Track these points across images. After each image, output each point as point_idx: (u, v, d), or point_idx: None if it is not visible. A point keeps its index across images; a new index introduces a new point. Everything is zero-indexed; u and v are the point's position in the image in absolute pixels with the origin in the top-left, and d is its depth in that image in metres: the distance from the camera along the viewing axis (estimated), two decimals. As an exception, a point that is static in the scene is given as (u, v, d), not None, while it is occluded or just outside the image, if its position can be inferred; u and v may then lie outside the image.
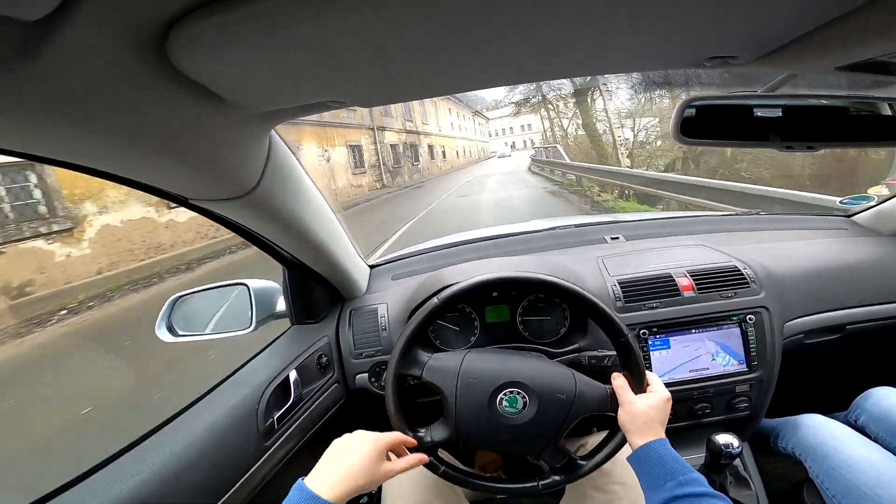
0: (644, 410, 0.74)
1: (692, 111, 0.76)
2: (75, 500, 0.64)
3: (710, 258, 1.16)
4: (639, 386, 0.78)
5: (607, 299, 1.08)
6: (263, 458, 0.87)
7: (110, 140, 0.46)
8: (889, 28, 0.42)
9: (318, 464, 0.64)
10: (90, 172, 0.54)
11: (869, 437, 0.98)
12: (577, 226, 1.48)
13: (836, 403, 1.15)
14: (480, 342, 1.10)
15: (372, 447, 0.65)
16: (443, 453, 0.85)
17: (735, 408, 1.09)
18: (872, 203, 1.42)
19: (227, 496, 0.78)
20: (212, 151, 0.57)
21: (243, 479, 0.82)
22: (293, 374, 0.99)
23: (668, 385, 1.04)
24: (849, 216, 1.49)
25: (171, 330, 1.00)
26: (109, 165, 0.53)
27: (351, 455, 0.64)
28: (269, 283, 1.09)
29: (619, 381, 0.79)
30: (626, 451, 0.83)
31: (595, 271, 1.15)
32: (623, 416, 0.76)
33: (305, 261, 0.97)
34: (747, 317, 1.07)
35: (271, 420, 0.90)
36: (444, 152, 34.90)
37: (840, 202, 1.50)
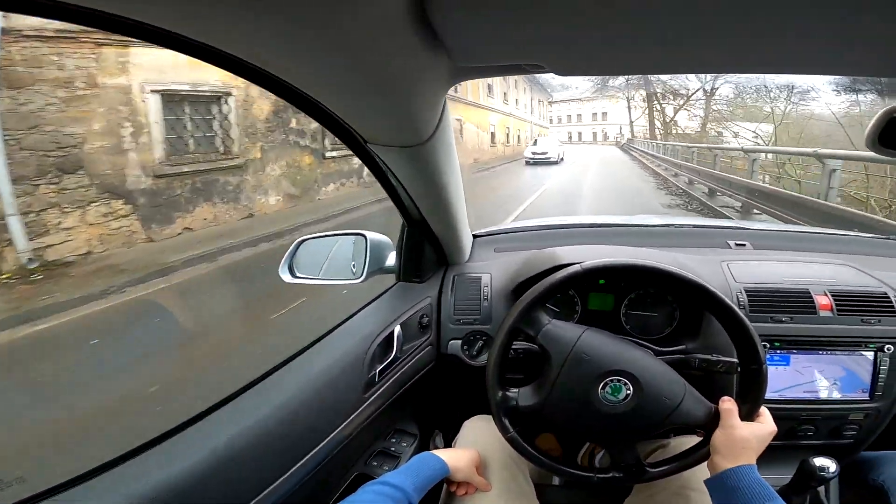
0: (746, 437, 0.71)
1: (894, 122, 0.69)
2: (208, 429, 0.69)
3: (857, 280, 1.08)
4: (748, 417, 0.75)
5: None
6: (360, 409, 0.90)
7: (333, 71, 0.48)
8: None
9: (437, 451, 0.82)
10: (290, 97, 0.55)
11: None
12: (695, 226, 1.41)
13: None
14: None
15: (475, 454, 0.85)
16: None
17: (841, 434, 1.04)
18: None
19: (325, 441, 0.81)
20: (410, 98, 0.57)
21: (340, 426, 0.85)
22: (398, 330, 1.01)
23: (777, 402, 1.01)
24: None
25: (291, 271, 1.05)
26: (317, 92, 0.55)
27: (460, 451, 0.84)
28: (383, 237, 1.11)
29: (727, 405, 0.75)
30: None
31: (719, 275, 1.09)
32: (721, 437, 0.73)
33: (429, 219, 0.98)
34: (885, 346, 1.00)
35: (374, 373, 0.93)
36: (460, 130, 17.58)
37: None
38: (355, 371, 0.90)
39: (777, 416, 1.02)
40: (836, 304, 1.01)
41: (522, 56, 0.55)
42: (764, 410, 0.77)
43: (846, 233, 1.52)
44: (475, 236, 1.31)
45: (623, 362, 0.77)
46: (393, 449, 1.09)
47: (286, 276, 1.03)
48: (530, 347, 0.86)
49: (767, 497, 0.64)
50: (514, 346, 0.85)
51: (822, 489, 1.02)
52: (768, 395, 1.00)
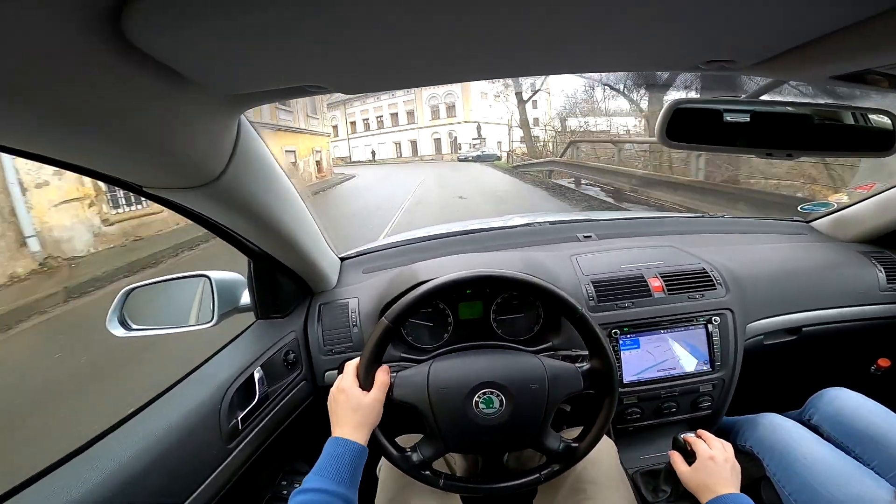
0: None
1: (677, 114, 0.75)
2: None
3: (680, 260, 1.18)
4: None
5: (581, 298, 1.08)
6: (227, 462, 0.83)
7: (55, 123, 0.41)
8: (884, 42, 0.42)
9: (334, 422, 0.73)
10: (34, 158, 0.48)
11: (822, 435, 1.01)
12: (551, 223, 1.47)
13: (792, 403, 1.20)
14: (454, 339, 1.08)
15: (359, 393, 0.74)
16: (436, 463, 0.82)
17: (699, 407, 1.12)
18: (832, 209, 1.48)
19: (187, 502, 0.74)
20: (171, 136, 0.52)
21: (205, 483, 0.78)
22: (258, 372, 0.94)
23: (637, 384, 1.06)
24: (808, 222, 1.55)
25: (123, 323, 0.93)
26: (53, 150, 0.48)
27: (353, 406, 0.73)
28: (233, 274, 1.03)
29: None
30: (599, 449, 0.83)
31: (569, 269, 1.14)
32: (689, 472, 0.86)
33: (272, 252, 0.92)
34: (713, 318, 1.09)
35: (235, 421, 0.86)
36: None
37: (801, 208, 1.57)
38: (210, 423, 0.82)
39: (642, 398, 1.08)
40: (666, 285, 1.10)
41: (293, 78, 0.52)
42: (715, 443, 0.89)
43: (669, 214, 1.68)
44: (344, 259, 1.27)
45: (478, 376, 0.77)
46: (285, 492, 1.04)
47: (116, 331, 0.91)
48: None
49: None
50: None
51: None
52: (630, 377, 1.07)
